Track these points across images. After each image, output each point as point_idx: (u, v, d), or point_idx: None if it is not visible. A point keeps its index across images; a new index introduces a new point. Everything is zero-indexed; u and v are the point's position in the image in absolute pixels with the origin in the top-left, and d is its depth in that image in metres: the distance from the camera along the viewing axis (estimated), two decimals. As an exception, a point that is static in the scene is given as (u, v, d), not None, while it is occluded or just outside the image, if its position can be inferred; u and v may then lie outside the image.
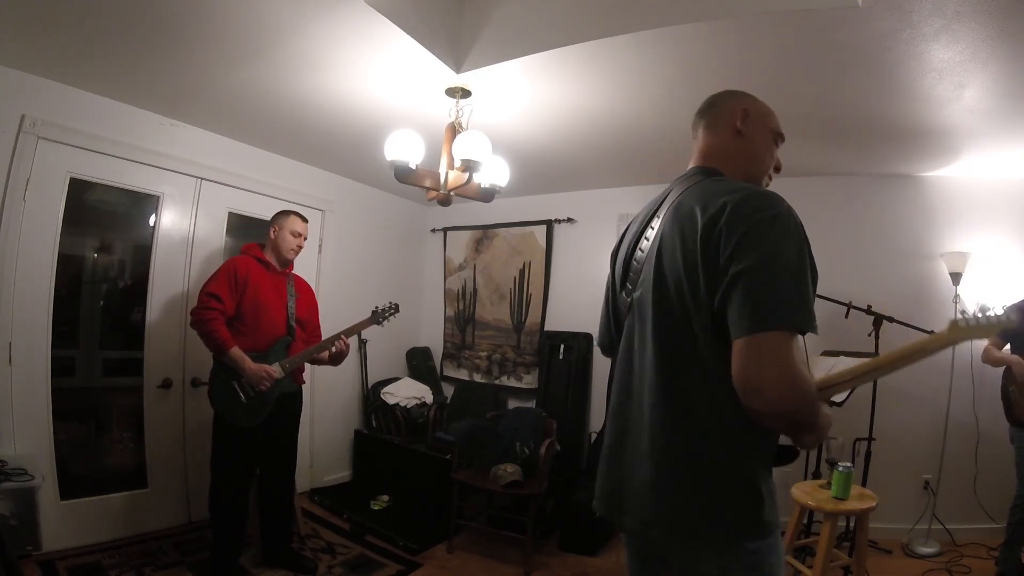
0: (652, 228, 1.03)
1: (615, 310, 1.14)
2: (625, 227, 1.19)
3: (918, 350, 0.83)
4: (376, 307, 2.72)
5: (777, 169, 1.13)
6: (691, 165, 1.12)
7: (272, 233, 2.57)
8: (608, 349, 1.21)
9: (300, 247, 2.61)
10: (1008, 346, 2.62)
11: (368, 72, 2.25)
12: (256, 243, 2.61)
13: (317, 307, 2.79)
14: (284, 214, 2.60)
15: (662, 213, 1.02)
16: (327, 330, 2.67)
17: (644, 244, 1.04)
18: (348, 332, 2.59)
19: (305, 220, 2.65)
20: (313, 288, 2.83)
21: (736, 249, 0.81)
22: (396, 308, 2.76)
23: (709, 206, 0.87)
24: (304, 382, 2.67)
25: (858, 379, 0.94)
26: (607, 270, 1.20)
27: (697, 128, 1.14)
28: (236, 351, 2.30)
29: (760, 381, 0.77)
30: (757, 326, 0.77)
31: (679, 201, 0.97)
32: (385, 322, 2.73)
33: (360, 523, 3.10)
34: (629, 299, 1.05)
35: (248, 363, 2.31)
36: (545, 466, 2.93)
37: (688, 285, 0.88)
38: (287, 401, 2.52)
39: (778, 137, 1.12)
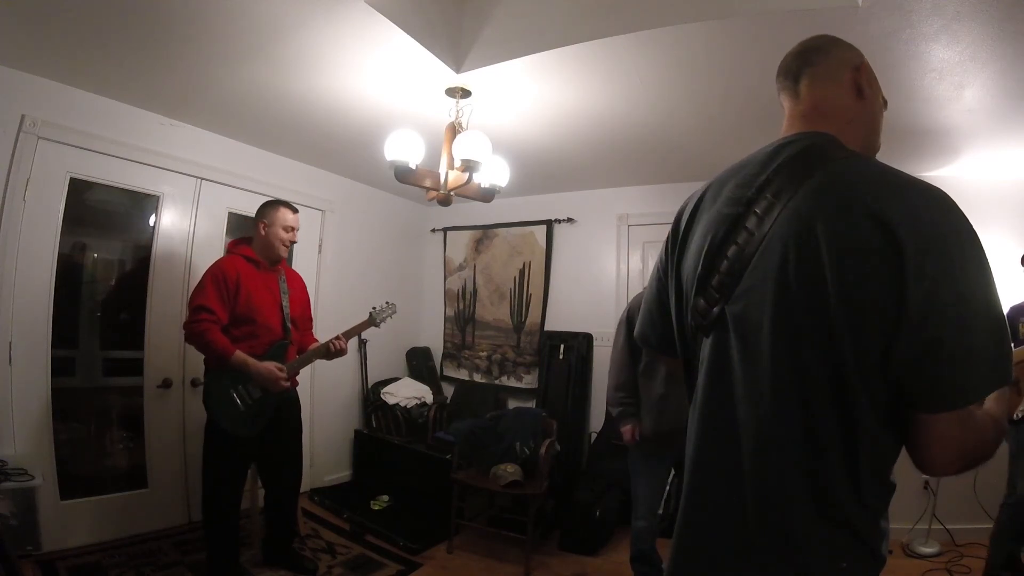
0: (758, 215, 0.75)
1: (679, 316, 0.89)
2: (695, 201, 0.89)
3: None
4: (373, 308, 2.62)
5: None
6: (794, 131, 0.83)
7: (261, 229, 2.38)
8: (657, 344, 1.01)
9: (293, 242, 2.45)
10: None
11: (368, 72, 2.25)
12: (243, 239, 2.48)
13: (309, 300, 2.70)
14: (272, 206, 2.41)
15: (780, 196, 0.74)
16: (326, 333, 2.63)
17: (746, 238, 0.75)
18: (347, 335, 2.51)
19: (295, 211, 2.46)
20: (313, 288, 2.81)
21: (931, 297, 0.62)
22: (393, 308, 2.68)
23: (883, 211, 0.64)
24: (298, 383, 2.58)
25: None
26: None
27: (796, 80, 0.86)
28: (239, 355, 2.22)
29: (946, 464, 0.68)
30: (953, 403, 0.64)
31: (821, 184, 0.71)
32: (383, 323, 2.65)
33: (360, 523, 3.10)
34: (714, 310, 0.78)
35: (256, 364, 2.23)
36: (545, 466, 2.94)
37: (848, 321, 0.65)
38: (287, 407, 2.47)
39: (885, 105, 0.89)
